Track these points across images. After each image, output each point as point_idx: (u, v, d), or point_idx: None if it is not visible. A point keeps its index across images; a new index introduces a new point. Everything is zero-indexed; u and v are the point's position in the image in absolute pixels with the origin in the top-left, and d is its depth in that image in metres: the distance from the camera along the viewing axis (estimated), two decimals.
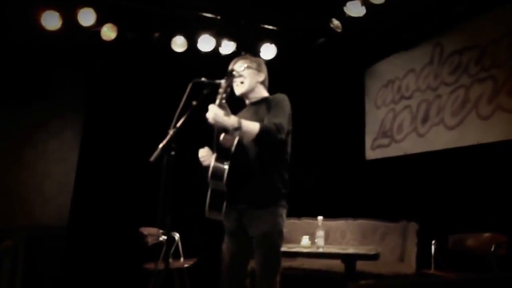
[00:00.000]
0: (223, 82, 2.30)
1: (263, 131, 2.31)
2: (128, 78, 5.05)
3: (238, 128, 2.28)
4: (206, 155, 2.49)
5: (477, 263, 3.59)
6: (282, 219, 2.44)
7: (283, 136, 2.38)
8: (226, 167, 2.32)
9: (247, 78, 2.57)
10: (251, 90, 2.60)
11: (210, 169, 2.35)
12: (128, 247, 4.51)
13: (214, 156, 2.38)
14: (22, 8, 4.23)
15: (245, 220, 2.44)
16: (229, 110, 2.30)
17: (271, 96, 2.59)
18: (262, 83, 2.64)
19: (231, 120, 2.27)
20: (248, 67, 2.58)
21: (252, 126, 2.32)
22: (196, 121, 2.22)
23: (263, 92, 2.65)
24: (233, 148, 2.35)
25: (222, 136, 2.40)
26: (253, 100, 2.62)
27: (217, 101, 2.24)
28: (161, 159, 2.08)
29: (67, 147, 5.03)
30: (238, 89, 2.58)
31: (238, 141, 2.36)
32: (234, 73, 2.44)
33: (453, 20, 4.35)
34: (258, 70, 2.62)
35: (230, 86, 2.33)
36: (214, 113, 2.24)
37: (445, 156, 4.37)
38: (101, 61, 4.95)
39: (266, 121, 2.40)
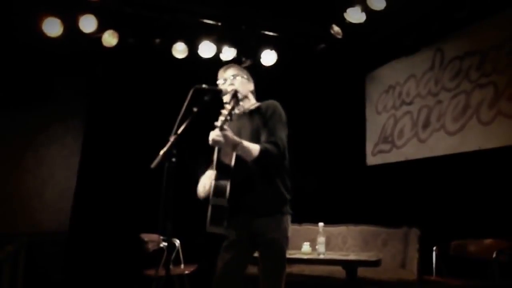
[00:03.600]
0: (227, 102, 2.25)
1: (262, 154, 2.32)
2: (129, 84, 5.06)
3: (238, 150, 2.29)
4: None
5: (479, 269, 3.58)
6: (288, 225, 2.44)
7: (284, 153, 2.40)
8: (227, 183, 2.32)
9: (238, 87, 2.53)
10: (243, 99, 2.56)
11: (212, 188, 2.35)
12: (129, 253, 4.50)
13: (214, 174, 2.38)
14: (24, 14, 4.25)
15: (251, 227, 2.42)
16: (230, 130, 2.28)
17: (262, 104, 2.55)
18: (252, 92, 2.64)
19: (233, 142, 2.27)
20: (237, 75, 2.59)
21: (251, 148, 2.32)
22: (197, 128, 2.22)
23: (253, 101, 2.64)
24: (233, 162, 2.35)
25: (222, 151, 2.40)
26: (247, 108, 2.58)
27: (220, 123, 2.18)
28: (162, 165, 2.08)
29: (68, 152, 5.03)
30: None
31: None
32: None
33: (454, 26, 4.36)
34: (248, 79, 2.63)
35: (233, 108, 2.25)
36: (217, 139, 2.24)
37: (446, 161, 4.36)
38: (102, 67, 4.97)
39: (263, 138, 2.40)
